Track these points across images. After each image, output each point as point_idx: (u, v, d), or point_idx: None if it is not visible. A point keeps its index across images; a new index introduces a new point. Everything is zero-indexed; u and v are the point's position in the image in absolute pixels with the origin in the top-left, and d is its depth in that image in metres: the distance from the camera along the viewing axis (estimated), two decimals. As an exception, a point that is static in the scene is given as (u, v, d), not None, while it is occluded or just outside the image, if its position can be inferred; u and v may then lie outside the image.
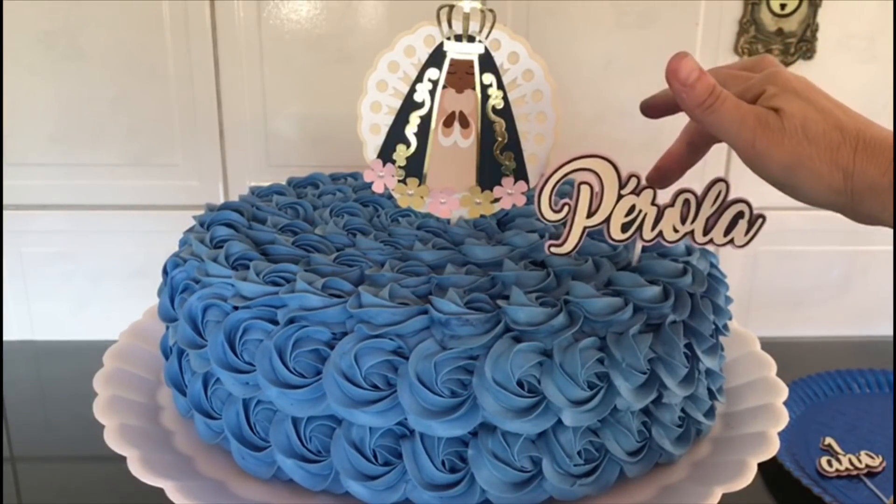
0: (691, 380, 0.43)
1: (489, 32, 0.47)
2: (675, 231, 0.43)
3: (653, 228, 0.43)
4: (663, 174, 0.46)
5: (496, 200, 0.49)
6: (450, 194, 0.49)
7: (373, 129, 0.49)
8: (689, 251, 0.48)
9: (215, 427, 0.44)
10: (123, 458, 0.41)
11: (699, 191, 0.43)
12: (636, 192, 0.42)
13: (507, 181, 0.49)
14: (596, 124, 0.75)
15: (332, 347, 0.40)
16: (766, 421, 0.46)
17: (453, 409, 0.38)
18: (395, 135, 0.49)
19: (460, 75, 0.48)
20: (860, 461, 0.57)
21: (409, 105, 0.48)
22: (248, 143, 0.75)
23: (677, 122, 0.75)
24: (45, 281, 0.78)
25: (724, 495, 0.40)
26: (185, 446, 0.46)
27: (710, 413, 0.47)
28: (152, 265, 0.52)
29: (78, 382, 0.52)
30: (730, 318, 0.49)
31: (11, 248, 0.77)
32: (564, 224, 0.43)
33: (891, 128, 0.38)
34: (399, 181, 0.49)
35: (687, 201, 0.43)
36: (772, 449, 0.43)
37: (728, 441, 0.46)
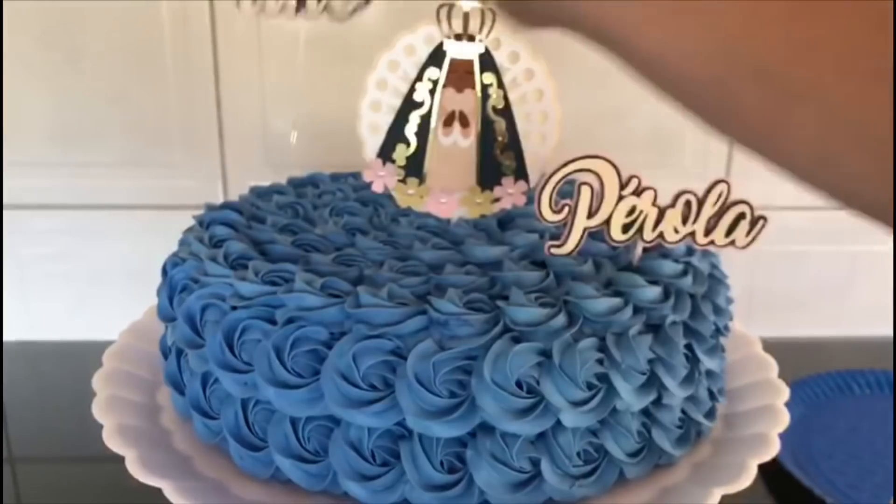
0: (691, 381, 0.43)
1: (489, 32, 0.47)
2: (676, 232, 0.43)
3: (653, 229, 0.43)
4: None
5: (496, 200, 0.49)
6: (450, 194, 0.49)
7: (373, 128, 0.49)
8: (689, 251, 0.47)
9: (214, 427, 0.44)
10: (122, 458, 0.41)
11: (700, 192, 0.42)
12: (637, 192, 0.42)
13: (508, 181, 0.49)
14: (596, 124, 0.75)
15: (330, 347, 0.39)
16: (766, 422, 0.46)
17: (452, 410, 0.38)
18: (395, 134, 0.49)
19: (460, 75, 0.48)
20: None
21: (408, 104, 0.48)
22: (248, 142, 0.75)
23: (677, 123, 0.75)
24: (44, 281, 0.78)
25: (724, 496, 0.39)
26: (183, 446, 0.46)
27: (710, 414, 0.47)
28: (152, 265, 0.52)
29: (77, 382, 0.51)
30: (731, 319, 0.49)
31: (11, 248, 0.77)
32: (565, 225, 0.42)
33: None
34: (399, 181, 0.49)
35: (688, 202, 0.42)
36: (772, 450, 0.43)
37: (728, 442, 0.46)
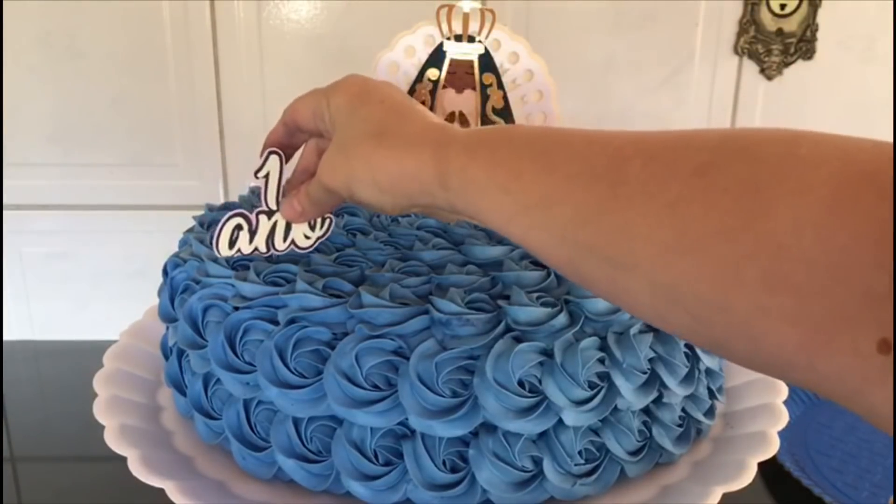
0: (691, 379, 0.43)
1: (489, 32, 0.47)
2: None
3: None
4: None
5: (496, 200, 0.49)
6: (450, 194, 0.49)
7: (373, 129, 0.49)
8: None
9: (216, 427, 0.44)
10: (123, 458, 0.41)
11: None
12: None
13: (508, 181, 0.49)
14: (596, 124, 0.75)
15: (332, 348, 0.40)
16: (766, 420, 0.46)
17: (454, 409, 0.38)
18: (396, 135, 0.49)
19: (460, 75, 0.48)
20: None
21: (409, 105, 0.48)
22: (248, 143, 0.75)
23: (677, 123, 0.76)
24: (45, 281, 0.78)
25: (724, 495, 0.40)
26: (185, 446, 0.46)
27: (710, 412, 0.47)
28: (152, 265, 0.52)
29: (78, 382, 0.52)
30: (730, 318, 0.49)
31: (11, 248, 0.77)
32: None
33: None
34: (399, 181, 0.49)
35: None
36: (772, 448, 0.43)
37: (728, 440, 0.46)
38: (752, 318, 0.21)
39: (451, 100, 0.48)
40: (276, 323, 0.41)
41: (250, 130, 0.75)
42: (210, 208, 0.54)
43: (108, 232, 0.77)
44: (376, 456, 0.40)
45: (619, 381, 0.40)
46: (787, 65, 0.74)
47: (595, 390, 0.40)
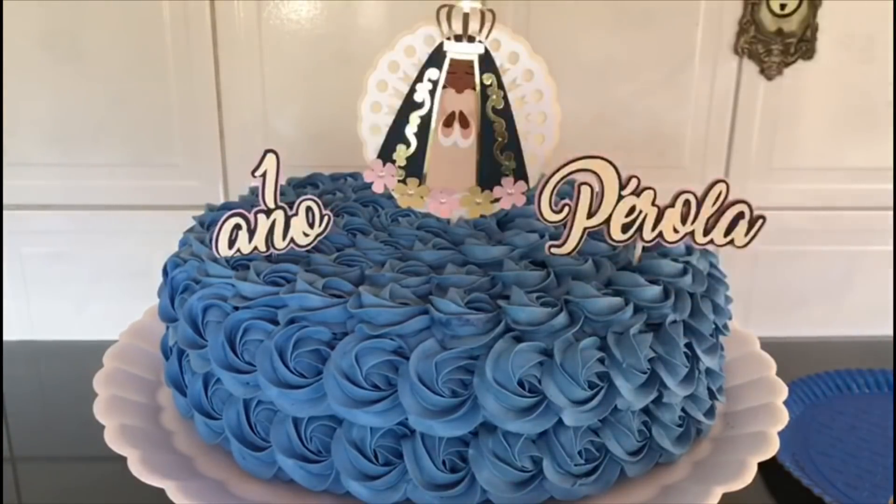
0: (691, 379, 0.43)
1: (489, 32, 0.47)
2: (676, 231, 0.43)
3: (653, 229, 0.43)
4: None
5: (496, 200, 0.49)
6: (450, 194, 0.49)
7: (373, 129, 0.49)
8: (689, 251, 0.48)
9: (216, 427, 0.44)
10: (123, 458, 0.41)
11: (699, 192, 0.43)
12: (636, 192, 0.42)
13: (507, 181, 0.49)
14: (596, 124, 0.75)
15: (332, 347, 0.40)
16: (766, 420, 0.46)
17: (454, 409, 0.38)
18: (395, 135, 0.49)
19: (460, 75, 0.48)
20: None
21: (409, 105, 0.48)
22: (248, 142, 0.75)
23: (677, 123, 0.76)
24: (45, 281, 0.78)
25: (724, 495, 0.40)
26: (185, 446, 0.46)
27: (710, 412, 0.47)
28: (152, 265, 0.52)
29: (78, 382, 0.52)
30: (730, 318, 0.49)
31: (11, 248, 0.77)
32: (564, 225, 0.43)
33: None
34: (399, 181, 0.49)
35: (687, 202, 0.43)
36: (772, 448, 0.43)
37: (728, 440, 0.46)
38: None
39: (451, 100, 0.48)
40: (276, 323, 0.41)
41: (250, 131, 0.75)
42: (210, 208, 0.54)
43: (108, 232, 0.77)
44: (376, 456, 0.40)
45: (619, 381, 0.40)
46: (787, 65, 0.74)
47: (595, 390, 0.40)
